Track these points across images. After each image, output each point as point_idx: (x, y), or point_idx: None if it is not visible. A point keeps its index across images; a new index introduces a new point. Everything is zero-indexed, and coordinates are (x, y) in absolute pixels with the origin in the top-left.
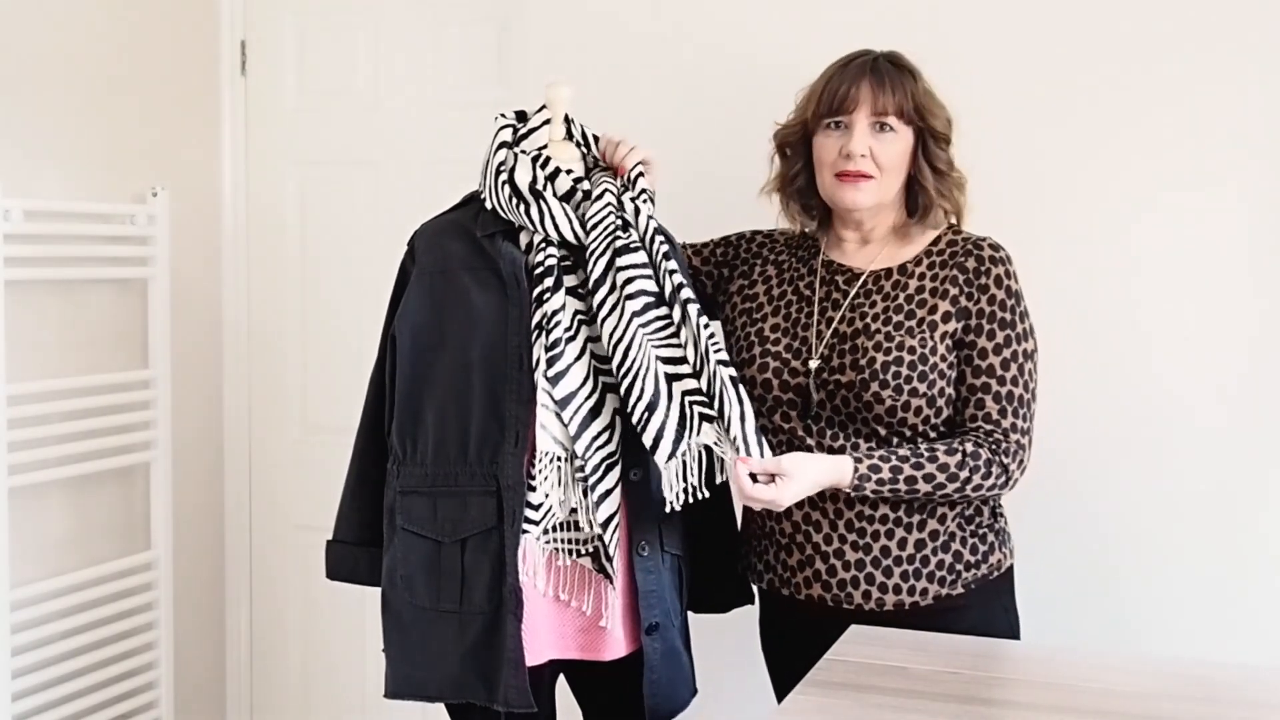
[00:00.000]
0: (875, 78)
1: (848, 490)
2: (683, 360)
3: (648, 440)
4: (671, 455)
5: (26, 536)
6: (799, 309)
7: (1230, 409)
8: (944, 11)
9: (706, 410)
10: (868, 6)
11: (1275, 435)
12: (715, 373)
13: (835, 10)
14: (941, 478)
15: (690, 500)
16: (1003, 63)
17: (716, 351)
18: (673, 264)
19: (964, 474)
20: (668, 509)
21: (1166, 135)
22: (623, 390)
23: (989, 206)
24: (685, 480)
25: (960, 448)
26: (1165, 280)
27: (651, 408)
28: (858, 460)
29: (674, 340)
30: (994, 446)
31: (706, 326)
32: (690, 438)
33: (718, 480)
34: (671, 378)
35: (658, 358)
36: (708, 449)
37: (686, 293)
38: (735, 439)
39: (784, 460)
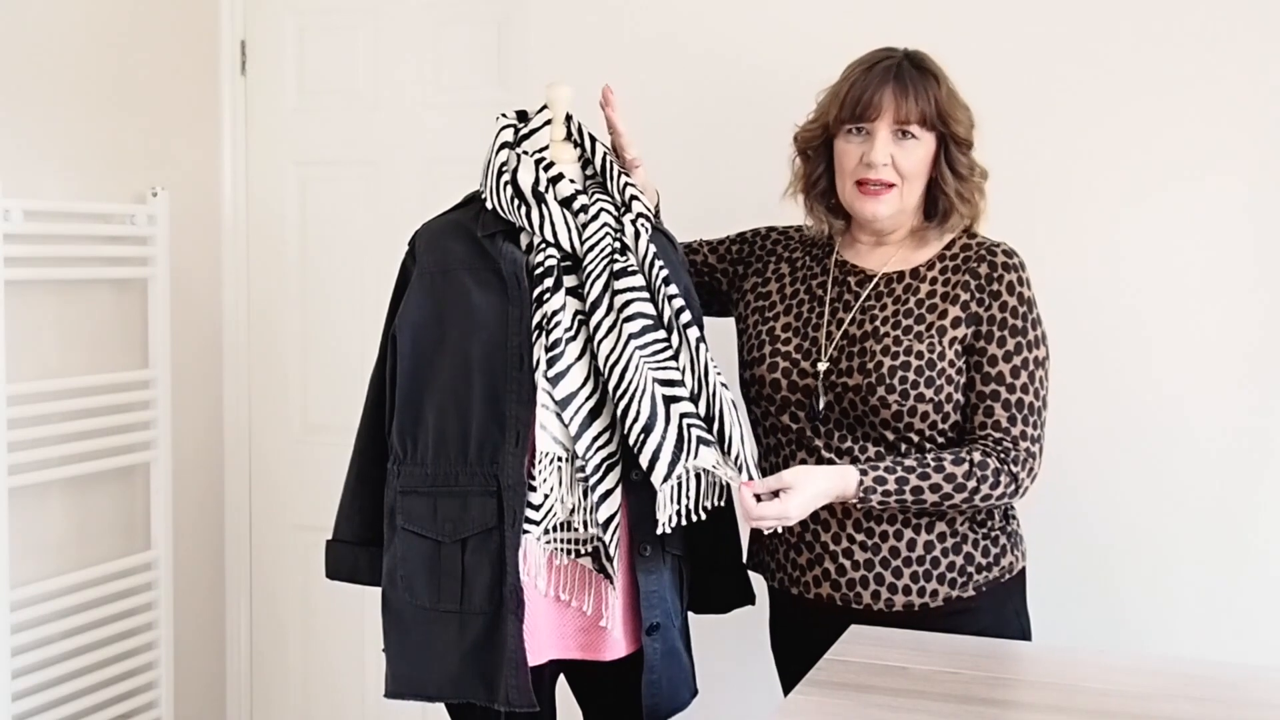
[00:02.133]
0: (899, 84)
1: (853, 502)
2: (680, 383)
3: (644, 461)
4: (667, 477)
5: (26, 536)
6: (810, 309)
7: (1232, 409)
8: (937, 8)
9: (704, 434)
10: (861, 7)
11: (1277, 436)
12: (716, 394)
13: (831, 10)
14: (948, 488)
15: (685, 523)
16: (999, 62)
17: (718, 375)
18: (673, 289)
19: (971, 484)
20: (660, 530)
21: (1164, 132)
22: (619, 412)
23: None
24: (680, 502)
25: (968, 457)
26: (1168, 280)
27: (648, 429)
28: (863, 472)
29: (672, 363)
30: (1003, 455)
31: (707, 350)
32: (687, 460)
33: (714, 504)
34: (669, 399)
35: (655, 379)
36: (704, 472)
37: (686, 316)
38: (737, 460)
39: (786, 474)
